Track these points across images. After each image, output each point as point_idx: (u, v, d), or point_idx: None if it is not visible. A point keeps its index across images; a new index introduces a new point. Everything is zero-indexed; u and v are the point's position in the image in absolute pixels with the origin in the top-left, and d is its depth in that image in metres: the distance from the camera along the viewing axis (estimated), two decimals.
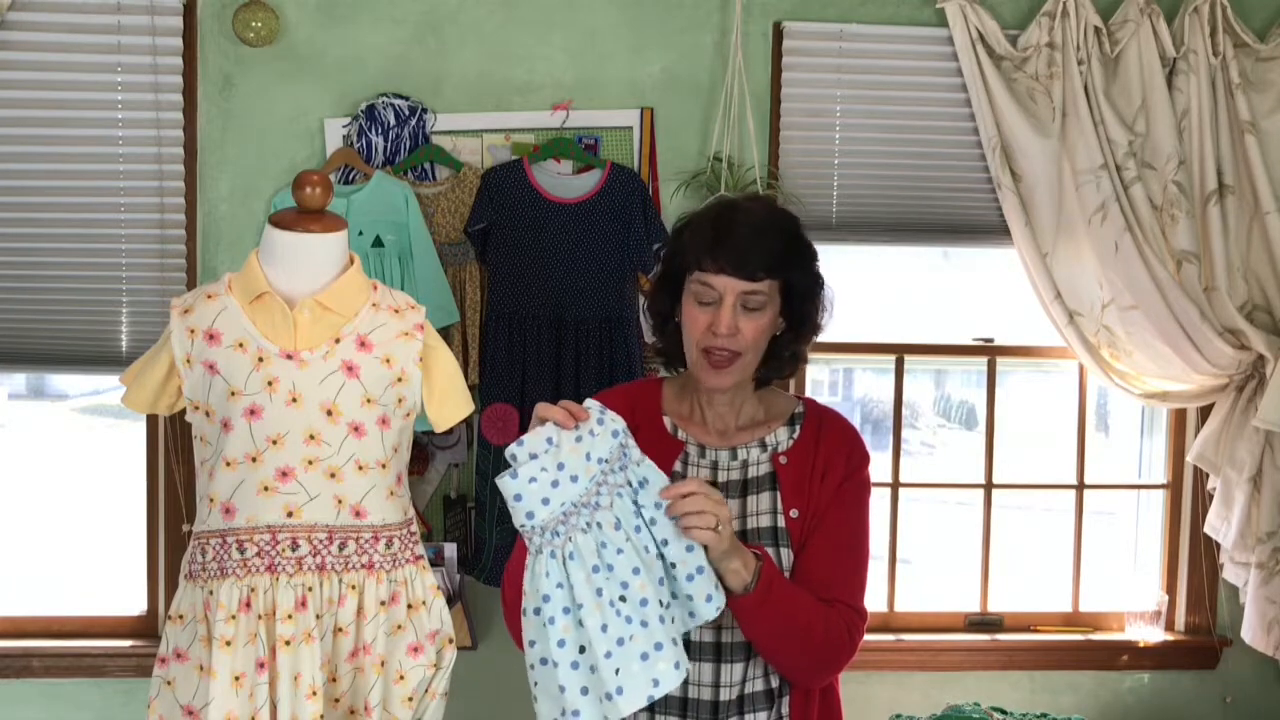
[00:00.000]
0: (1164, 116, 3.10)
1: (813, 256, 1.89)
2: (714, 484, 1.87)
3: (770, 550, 1.84)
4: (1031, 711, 3.10)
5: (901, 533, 3.41)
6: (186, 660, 2.13)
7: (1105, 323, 3.14)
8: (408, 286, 2.86)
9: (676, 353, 1.93)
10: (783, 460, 1.90)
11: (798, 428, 1.94)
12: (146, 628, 3.14)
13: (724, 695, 1.86)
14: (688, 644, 1.81)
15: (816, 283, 1.89)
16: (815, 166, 3.17)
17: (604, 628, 1.64)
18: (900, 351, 3.36)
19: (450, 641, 2.26)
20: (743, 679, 1.86)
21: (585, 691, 1.65)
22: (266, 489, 2.11)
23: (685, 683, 1.81)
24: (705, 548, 1.70)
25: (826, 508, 1.89)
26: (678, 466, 1.90)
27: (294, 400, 2.12)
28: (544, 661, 1.67)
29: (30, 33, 2.93)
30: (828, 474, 1.89)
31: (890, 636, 3.32)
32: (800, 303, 1.87)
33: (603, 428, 1.71)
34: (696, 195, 3.07)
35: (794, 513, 1.87)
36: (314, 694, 2.09)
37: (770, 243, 1.81)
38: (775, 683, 1.89)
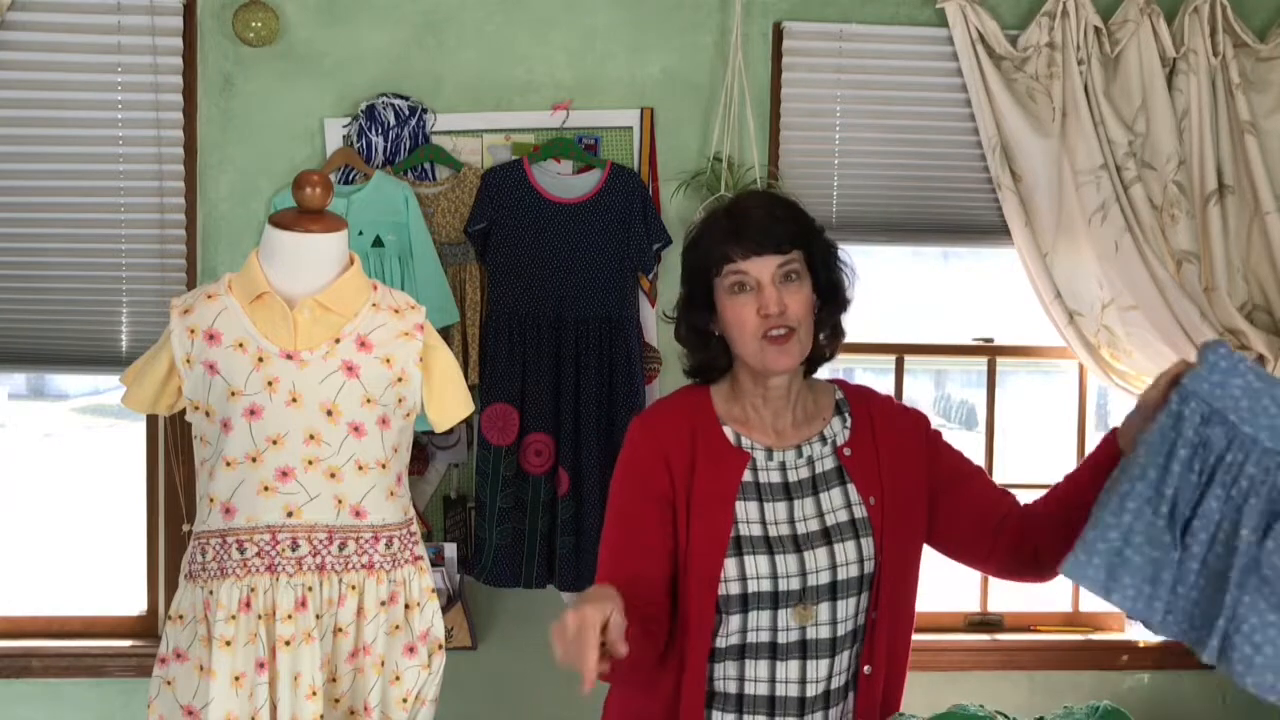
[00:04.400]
0: (1164, 116, 3.09)
1: (823, 229, 1.95)
2: (785, 485, 1.90)
3: (851, 542, 1.87)
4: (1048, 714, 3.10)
5: None
6: (186, 660, 2.13)
7: (1105, 323, 3.14)
8: (408, 286, 2.86)
9: (721, 365, 1.93)
10: (847, 453, 1.92)
11: (848, 415, 1.96)
12: (146, 628, 3.14)
13: (810, 691, 1.87)
14: (773, 645, 1.85)
15: (834, 250, 1.94)
16: (815, 166, 3.17)
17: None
18: (900, 351, 3.36)
19: (440, 647, 2.25)
20: (829, 674, 1.87)
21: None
22: (266, 489, 2.11)
23: (772, 680, 1.85)
24: None
25: (936, 460, 1.96)
26: (747, 475, 1.89)
27: (294, 400, 2.12)
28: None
29: (30, 33, 2.93)
30: (905, 449, 1.94)
31: None
32: (827, 272, 1.91)
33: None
34: (696, 195, 3.07)
35: (872, 500, 1.90)
36: (314, 694, 2.09)
37: (786, 215, 1.87)
38: (856, 673, 1.91)
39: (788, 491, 1.89)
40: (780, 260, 1.83)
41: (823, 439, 1.93)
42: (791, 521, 1.87)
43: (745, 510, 1.87)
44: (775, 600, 1.84)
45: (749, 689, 1.87)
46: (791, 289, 1.83)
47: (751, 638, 1.86)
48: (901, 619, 1.93)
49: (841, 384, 2.03)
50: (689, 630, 1.86)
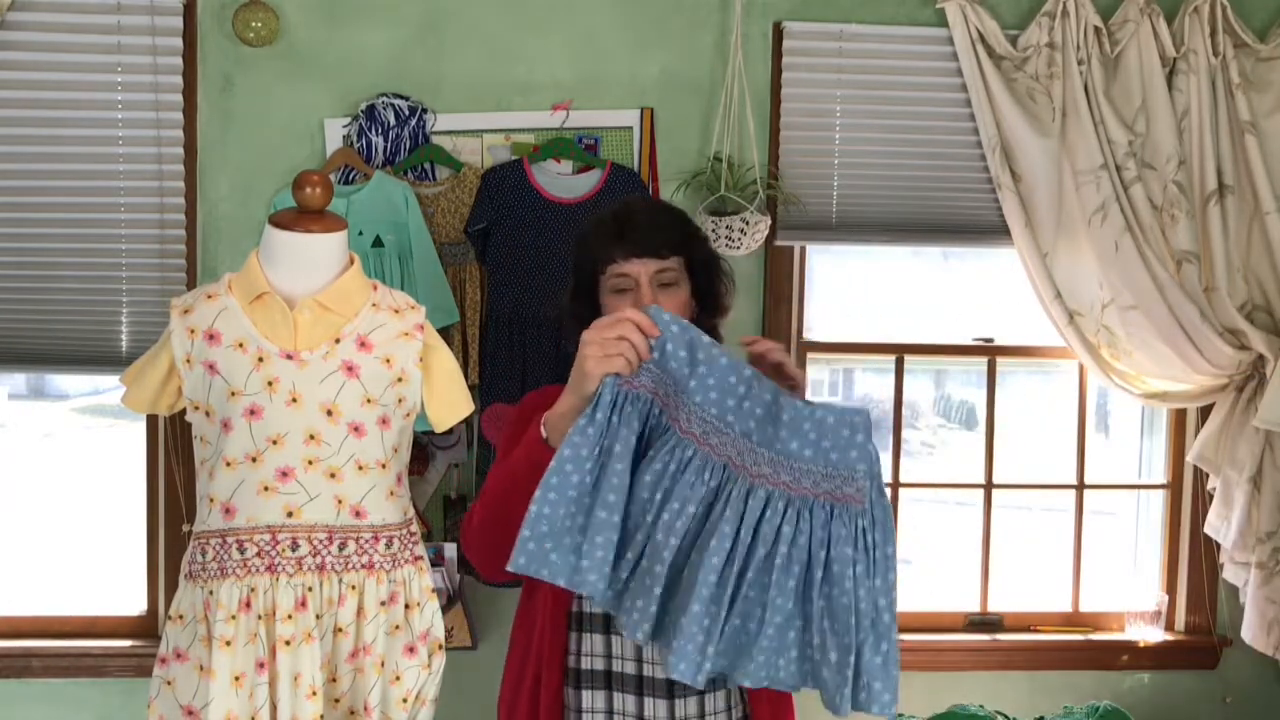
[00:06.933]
0: (1164, 116, 3.10)
1: (706, 238, 2.09)
2: None
3: None
4: (1049, 714, 3.10)
5: (901, 533, 3.41)
6: (186, 660, 2.13)
7: (1105, 323, 3.14)
8: (408, 286, 2.86)
9: None
10: None
11: None
12: (146, 628, 3.14)
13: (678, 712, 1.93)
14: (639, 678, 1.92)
15: (715, 258, 2.06)
16: (815, 166, 3.17)
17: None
18: (900, 351, 3.36)
19: (441, 647, 2.26)
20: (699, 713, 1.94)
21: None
22: (266, 489, 2.11)
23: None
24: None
25: None
26: None
27: (294, 400, 2.12)
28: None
29: (30, 33, 2.93)
30: None
31: None
32: (706, 278, 2.03)
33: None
34: (696, 195, 3.07)
35: None
36: (314, 694, 2.09)
37: (669, 222, 1.99)
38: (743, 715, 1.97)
39: None
40: (659, 265, 1.95)
41: None
42: None
43: None
44: None
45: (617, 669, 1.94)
46: (668, 293, 1.96)
47: (617, 665, 1.93)
48: None
49: None
50: (542, 650, 1.95)
